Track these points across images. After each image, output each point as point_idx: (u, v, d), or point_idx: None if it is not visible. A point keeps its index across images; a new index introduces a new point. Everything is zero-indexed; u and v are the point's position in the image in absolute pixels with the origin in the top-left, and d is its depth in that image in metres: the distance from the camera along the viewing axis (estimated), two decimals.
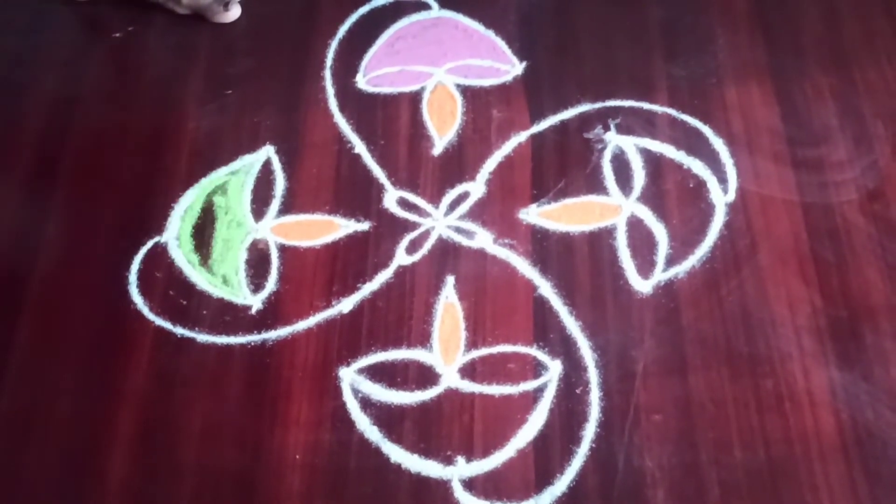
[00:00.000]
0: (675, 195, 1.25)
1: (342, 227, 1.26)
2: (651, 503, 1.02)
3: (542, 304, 1.17)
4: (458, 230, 1.24)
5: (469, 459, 1.08)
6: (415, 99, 1.37)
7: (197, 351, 1.18)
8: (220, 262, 1.25)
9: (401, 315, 1.18)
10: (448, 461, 1.08)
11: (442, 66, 1.40)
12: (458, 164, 1.30)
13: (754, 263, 1.18)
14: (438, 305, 1.18)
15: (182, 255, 1.26)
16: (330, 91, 1.40)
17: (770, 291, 1.15)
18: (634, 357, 1.12)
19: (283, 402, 1.13)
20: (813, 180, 1.24)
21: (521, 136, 1.32)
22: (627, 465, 1.05)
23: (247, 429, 1.12)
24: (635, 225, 1.23)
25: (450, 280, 1.20)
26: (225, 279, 1.23)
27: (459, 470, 1.07)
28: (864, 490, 1.01)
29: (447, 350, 1.15)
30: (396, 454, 1.09)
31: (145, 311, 1.22)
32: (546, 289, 1.18)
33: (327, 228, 1.26)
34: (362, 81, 1.40)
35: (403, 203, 1.28)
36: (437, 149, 1.32)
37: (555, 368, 1.12)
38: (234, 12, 1.49)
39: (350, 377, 1.14)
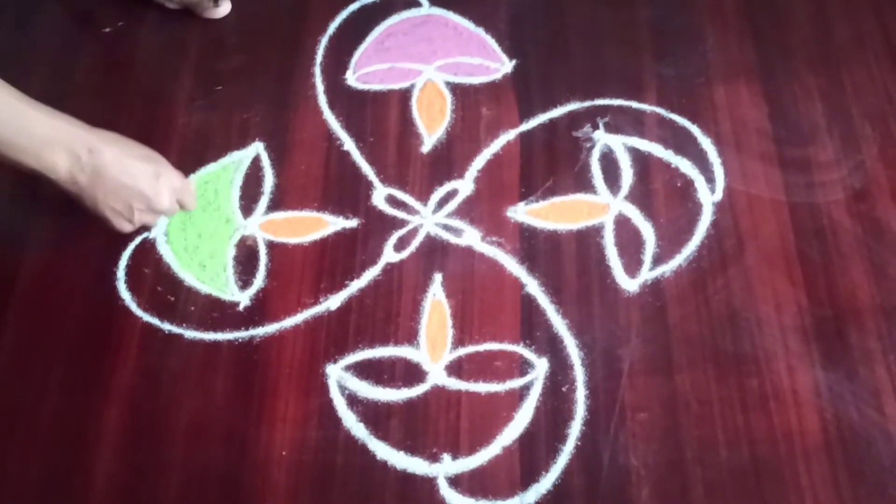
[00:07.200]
0: (662, 194, 1.25)
1: (330, 224, 1.26)
2: (635, 501, 1.03)
3: (529, 302, 1.17)
4: (446, 228, 1.24)
5: (455, 457, 1.08)
6: (404, 96, 1.37)
7: (184, 347, 1.18)
8: (208, 258, 1.25)
9: (388, 312, 1.18)
10: (434, 458, 1.08)
11: (432, 64, 1.40)
12: (446, 161, 1.30)
13: (741, 263, 1.18)
14: (426, 303, 1.18)
15: (170, 250, 1.26)
16: (320, 88, 1.39)
17: (756, 291, 1.16)
18: (620, 355, 1.12)
19: (270, 399, 1.13)
20: (800, 180, 1.24)
21: (510, 134, 1.32)
22: (613, 463, 1.06)
23: (233, 425, 1.12)
24: (623, 224, 1.23)
25: (437, 277, 1.20)
26: (213, 275, 1.23)
27: (445, 467, 1.07)
28: (848, 489, 1.02)
29: (434, 347, 1.15)
30: (382, 451, 1.09)
31: (133, 306, 1.21)
32: (533, 287, 1.18)
33: (316, 225, 1.26)
34: (352, 78, 1.40)
35: (392, 200, 1.28)
36: (426, 146, 1.32)
37: (541, 366, 1.13)
38: (225, 8, 1.48)
39: (337, 374, 1.14)
